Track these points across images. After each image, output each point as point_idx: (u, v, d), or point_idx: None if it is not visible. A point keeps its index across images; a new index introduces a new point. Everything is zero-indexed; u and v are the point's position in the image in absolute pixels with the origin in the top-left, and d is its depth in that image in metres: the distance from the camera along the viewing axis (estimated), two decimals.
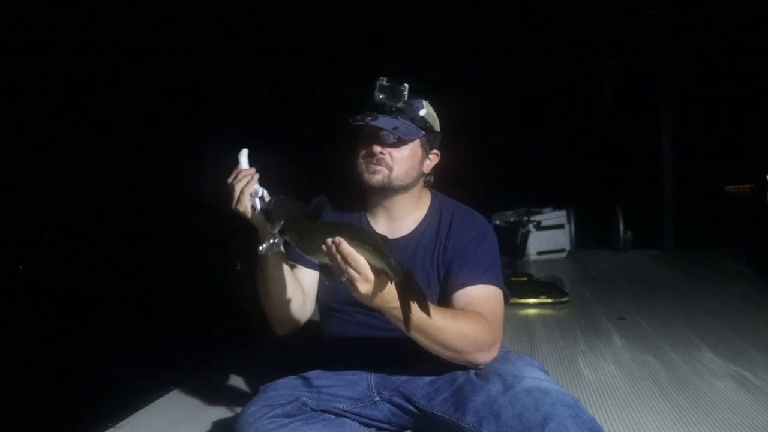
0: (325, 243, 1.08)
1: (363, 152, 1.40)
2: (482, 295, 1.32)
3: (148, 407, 1.91)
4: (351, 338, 1.45)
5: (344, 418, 1.37)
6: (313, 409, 1.34)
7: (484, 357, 1.24)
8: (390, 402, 1.38)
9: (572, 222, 5.72)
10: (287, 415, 1.30)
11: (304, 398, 1.34)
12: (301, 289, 1.44)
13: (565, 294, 3.46)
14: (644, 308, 3.20)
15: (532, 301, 3.39)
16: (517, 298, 3.36)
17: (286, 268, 1.38)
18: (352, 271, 1.06)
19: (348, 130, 1.41)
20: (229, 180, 1.30)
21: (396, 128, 1.36)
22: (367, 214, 1.50)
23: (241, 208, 1.29)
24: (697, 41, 7.04)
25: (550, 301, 3.39)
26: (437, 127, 1.48)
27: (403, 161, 1.40)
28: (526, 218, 5.49)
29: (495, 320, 1.29)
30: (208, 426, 1.70)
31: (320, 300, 1.51)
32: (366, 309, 1.18)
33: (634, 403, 1.84)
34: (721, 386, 1.95)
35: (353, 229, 1.11)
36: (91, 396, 2.89)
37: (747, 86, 8.73)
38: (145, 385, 2.15)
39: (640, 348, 2.45)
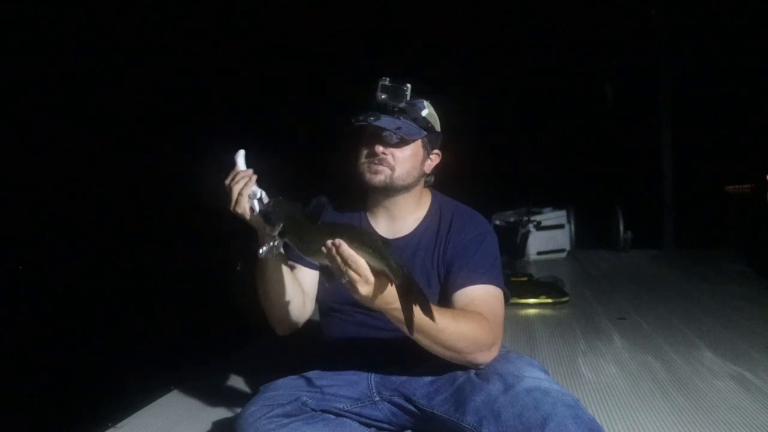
0: (325, 245, 1.08)
1: (365, 152, 1.40)
2: (482, 295, 1.32)
3: (148, 407, 1.91)
4: (351, 338, 1.45)
5: (344, 418, 1.38)
6: (313, 409, 1.34)
7: (484, 357, 1.24)
8: (390, 402, 1.38)
9: (572, 222, 5.73)
10: (287, 415, 1.30)
11: (304, 398, 1.34)
12: (300, 289, 1.44)
13: (565, 294, 3.46)
14: (644, 308, 3.20)
15: (532, 301, 3.39)
16: (517, 298, 3.36)
17: (285, 268, 1.38)
18: (352, 273, 1.06)
19: (350, 130, 1.41)
20: (227, 182, 1.28)
21: (399, 128, 1.36)
22: (368, 214, 1.50)
23: (239, 211, 1.27)
24: (697, 41, 7.04)
25: (550, 301, 3.39)
26: (438, 128, 1.48)
27: (405, 161, 1.40)
28: (526, 218, 5.49)
29: (495, 320, 1.29)
30: (208, 426, 1.70)
31: (320, 300, 1.50)
32: (366, 309, 1.17)
33: (634, 403, 1.84)
34: (721, 386, 1.95)
35: (353, 231, 1.11)
36: (91, 396, 2.88)
37: (747, 86, 8.73)
38: (145, 385, 2.15)
39: (640, 348, 2.45)
